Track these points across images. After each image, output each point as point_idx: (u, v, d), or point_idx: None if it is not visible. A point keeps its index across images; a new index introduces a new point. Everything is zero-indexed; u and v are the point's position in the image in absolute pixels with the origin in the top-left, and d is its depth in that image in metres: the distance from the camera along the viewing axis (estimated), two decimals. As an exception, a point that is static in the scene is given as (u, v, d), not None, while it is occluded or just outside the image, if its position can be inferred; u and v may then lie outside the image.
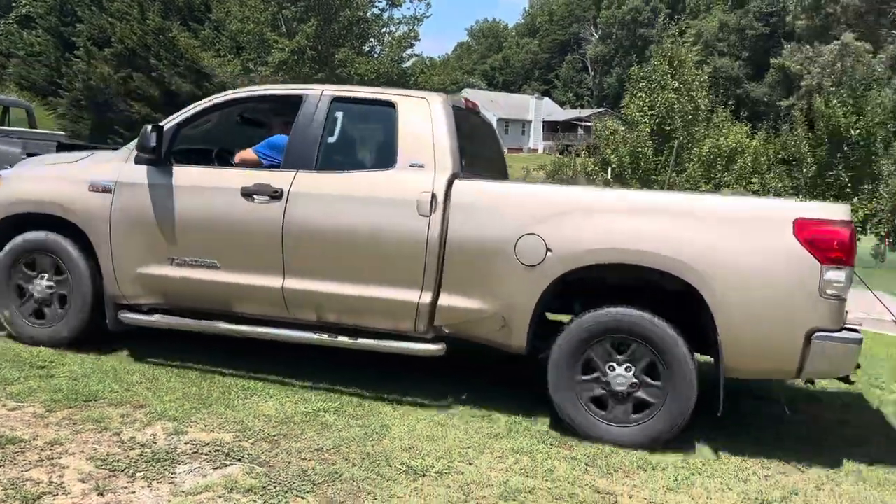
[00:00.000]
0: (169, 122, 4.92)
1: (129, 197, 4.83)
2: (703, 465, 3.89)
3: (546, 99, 68.83)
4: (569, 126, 66.46)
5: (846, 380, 4.10)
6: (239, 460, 3.52)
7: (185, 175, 4.82)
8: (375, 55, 22.92)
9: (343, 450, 3.74)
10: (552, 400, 4.18)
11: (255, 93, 5.22)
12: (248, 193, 4.62)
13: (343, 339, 4.53)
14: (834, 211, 3.89)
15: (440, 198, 4.32)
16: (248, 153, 5.06)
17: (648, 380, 4.04)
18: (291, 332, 4.64)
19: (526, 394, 4.64)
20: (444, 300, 4.34)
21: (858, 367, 4.06)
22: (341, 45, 22.13)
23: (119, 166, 4.94)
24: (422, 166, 4.43)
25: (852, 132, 17.69)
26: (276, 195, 4.56)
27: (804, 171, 18.64)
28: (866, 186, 17.71)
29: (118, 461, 3.40)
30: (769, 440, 4.36)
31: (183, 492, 3.17)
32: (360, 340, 4.50)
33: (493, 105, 62.07)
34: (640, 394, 4.05)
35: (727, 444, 4.17)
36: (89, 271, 4.95)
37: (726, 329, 3.85)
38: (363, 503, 3.21)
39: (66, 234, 5.00)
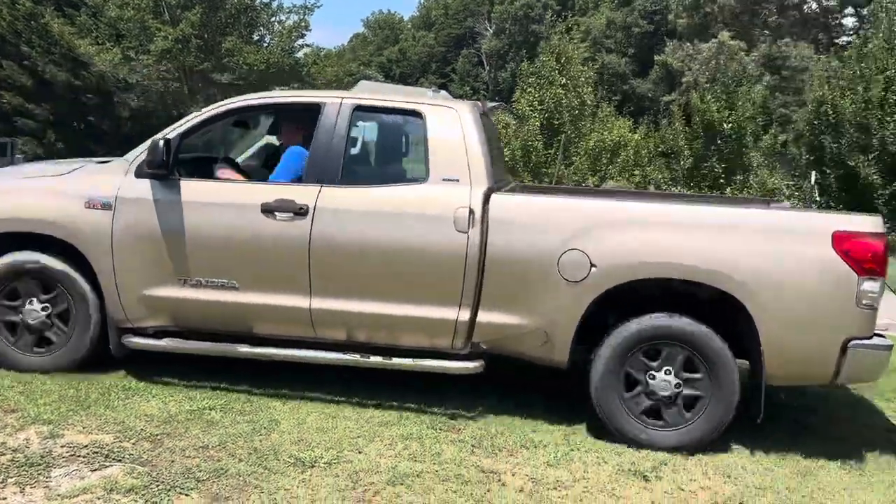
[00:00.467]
0: (172, 133, 4.54)
1: (133, 214, 4.45)
2: (583, 441, 4.11)
3: (443, 92, 69.23)
4: (464, 119, 66.82)
5: None
6: (119, 461, 3.43)
7: (195, 190, 4.49)
8: (265, 45, 22.41)
9: (229, 446, 3.70)
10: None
11: (268, 100, 5.06)
12: (269, 210, 4.33)
13: (376, 360, 4.38)
14: (869, 224, 4.02)
15: (478, 213, 4.20)
16: (231, 174, 4.84)
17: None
18: (321, 353, 4.45)
19: (417, 382, 4.73)
20: (484, 316, 4.26)
21: None
22: (228, 33, 21.55)
23: (118, 180, 4.52)
24: (456, 180, 4.29)
25: (725, 126, 18.87)
26: (300, 212, 4.31)
27: (682, 163, 19.71)
28: (738, 177, 18.90)
29: (-14, 469, 3.24)
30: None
31: (59, 495, 3.07)
32: (395, 360, 4.37)
33: (389, 98, 61.82)
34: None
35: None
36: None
37: (768, 338, 3.94)
38: (249, 497, 3.21)
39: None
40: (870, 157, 16.96)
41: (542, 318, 4.16)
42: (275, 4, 22.75)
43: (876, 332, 4.05)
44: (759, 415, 4.06)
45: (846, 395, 5.40)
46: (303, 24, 22.71)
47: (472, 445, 3.93)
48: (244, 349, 4.50)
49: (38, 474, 3.24)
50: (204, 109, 4.78)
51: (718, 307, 4.11)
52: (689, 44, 42.41)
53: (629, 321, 4.11)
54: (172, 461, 3.47)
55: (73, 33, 18.74)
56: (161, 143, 4.34)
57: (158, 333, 4.59)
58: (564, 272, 4.08)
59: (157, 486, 3.21)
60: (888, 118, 16.89)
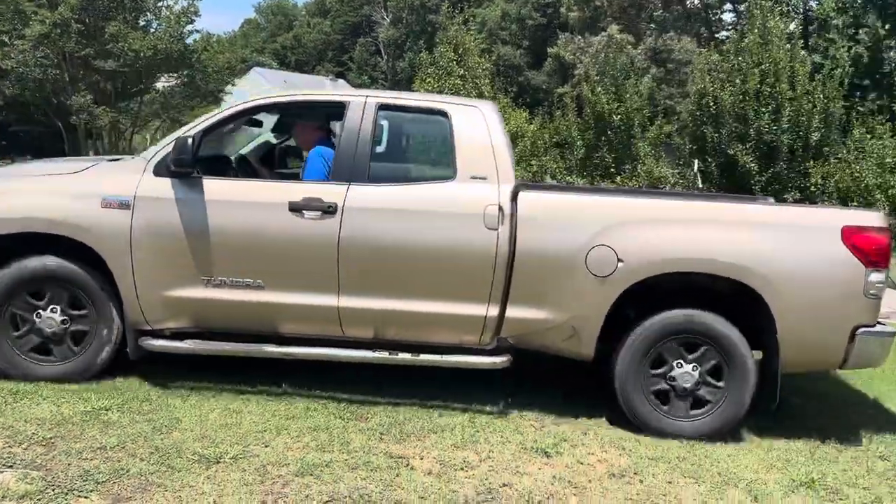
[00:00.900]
0: (193, 131, 4.43)
1: (154, 214, 4.35)
2: (487, 423, 4.23)
3: (341, 80, 68.39)
4: (363, 109, 66.24)
5: None
6: (10, 466, 3.27)
7: (219, 188, 4.41)
8: (152, 30, 21.45)
9: (129, 446, 3.60)
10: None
11: (289, 99, 4.99)
12: (297, 209, 4.31)
13: (404, 356, 4.40)
14: (874, 219, 4.31)
15: (507, 210, 4.28)
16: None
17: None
18: (350, 352, 4.45)
19: (329, 374, 4.72)
20: (512, 312, 4.33)
21: None
22: (112, 17, 20.48)
23: (135, 179, 4.40)
24: (484, 178, 4.37)
25: (614, 118, 19.61)
26: (329, 210, 4.30)
27: (575, 153, 20.35)
28: (627, 166, 19.69)
29: None
30: (558, 399, 4.76)
31: (-58, 508, 2.90)
32: (423, 357, 4.39)
33: (287, 86, 60.44)
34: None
35: (514, 405, 4.56)
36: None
37: (785, 327, 4.17)
38: (153, 497, 3.14)
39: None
40: (747, 146, 18.05)
41: (570, 312, 4.29)
42: (161, -12, 21.82)
43: (879, 320, 4.39)
44: (775, 401, 4.31)
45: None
46: (191, 8, 21.88)
47: (380, 433, 3.97)
48: (270, 349, 4.47)
49: (-82, 486, 3.04)
50: (222, 108, 4.77)
51: (735, 300, 4.32)
52: (580, 37, 43.69)
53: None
54: (69, 464, 3.34)
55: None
56: (190, 141, 4.27)
57: (176, 335, 4.52)
58: (592, 268, 4.22)
59: (53, 490, 3.08)
60: (763, 109, 18.01)
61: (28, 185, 4.65)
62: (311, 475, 3.42)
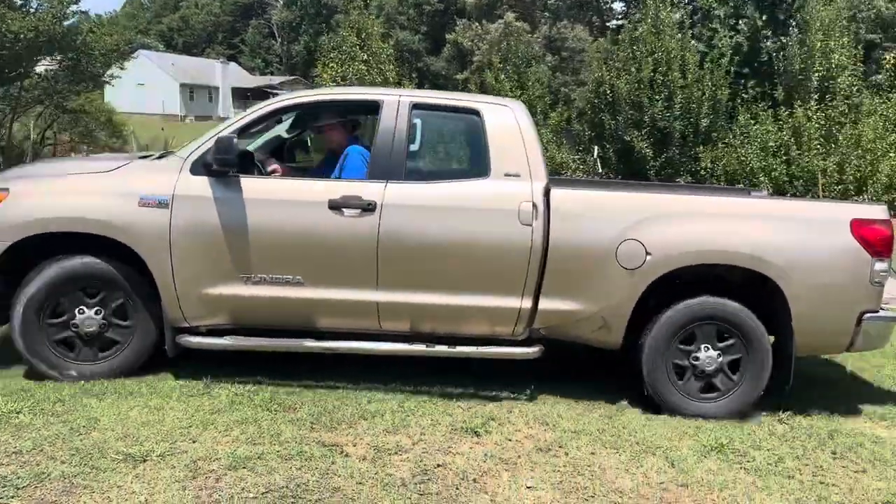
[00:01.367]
0: (227, 130, 4.53)
1: (193, 212, 4.39)
2: (416, 406, 4.29)
3: (233, 64, 66.21)
4: (260, 94, 64.53)
5: None
6: (-85, 479, 3.06)
7: (258, 187, 4.50)
8: (33, 10, 20.08)
9: (47, 449, 3.44)
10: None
11: (323, 97, 5.11)
12: (336, 206, 4.39)
13: (441, 349, 4.53)
14: (879, 212, 4.61)
15: (540, 207, 4.43)
16: (278, 168, 5.07)
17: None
18: (387, 345, 4.57)
19: (252, 366, 4.64)
20: (545, 304, 4.49)
21: None
22: (-14, -4, 19.01)
23: (173, 178, 4.44)
24: (517, 175, 4.51)
25: (518, 104, 20.06)
26: (368, 208, 4.39)
27: (481, 139, 20.69)
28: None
29: None
30: (481, 380, 4.88)
31: None
32: (459, 348, 4.54)
33: (175, 69, 58.09)
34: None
35: (440, 390, 4.64)
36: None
37: (799, 314, 4.42)
38: (80, 499, 3.02)
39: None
40: (643, 132, 18.85)
41: (600, 303, 4.48)
42: (39, -36, 20.40)
43: (882, 306, 4.66)
44: (789, 383, 4.57)
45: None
46: (75, -13, 20.59)
47: (311, 422, 3.96)
48: (310, 343, 4.53)
49: None
50: (254, 107, 4.79)
51: (748, 289, 4.58)
52: (477, 24, 44.12)
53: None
54: (-18, 472, 3.16)
55: None
56: (234, 141, 4.34)
57: (213, 332, 4.58)
58: (622, 260, 4.41)
59: (-32, 500, 2.92)
60: (657, 97, 18.86)
61: (61, 185, 4.61)
62: (245, 468, 3.38)
